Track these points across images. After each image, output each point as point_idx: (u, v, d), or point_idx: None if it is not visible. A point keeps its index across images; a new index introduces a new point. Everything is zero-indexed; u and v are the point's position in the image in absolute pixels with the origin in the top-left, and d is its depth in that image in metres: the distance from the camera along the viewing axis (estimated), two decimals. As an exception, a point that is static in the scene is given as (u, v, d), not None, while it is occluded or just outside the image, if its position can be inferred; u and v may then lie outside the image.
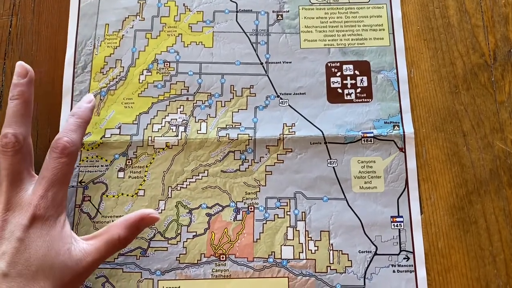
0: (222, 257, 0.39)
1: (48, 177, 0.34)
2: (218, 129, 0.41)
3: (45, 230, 0.33)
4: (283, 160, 0.41)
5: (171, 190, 0.40)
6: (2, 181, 0.34)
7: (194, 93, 0.42)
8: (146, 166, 0.40)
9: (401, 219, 0.39)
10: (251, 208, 0.40)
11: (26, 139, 0.35)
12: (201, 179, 0.40)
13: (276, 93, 0.42)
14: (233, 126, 0.41)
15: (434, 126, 0.41)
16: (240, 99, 0.42)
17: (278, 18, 0.44)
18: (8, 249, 0.32)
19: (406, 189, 0.40)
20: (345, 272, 0.38)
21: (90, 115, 0.38)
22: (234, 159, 0.41)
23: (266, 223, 0.39)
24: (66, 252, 0.33)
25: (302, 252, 0.39)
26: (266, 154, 0.41)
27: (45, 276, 0.32)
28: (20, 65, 0.36)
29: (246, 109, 0.42)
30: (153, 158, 0.40)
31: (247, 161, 0.41)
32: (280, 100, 0.42)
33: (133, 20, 0.44)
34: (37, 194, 0.34)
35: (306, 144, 0.41)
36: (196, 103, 0.42)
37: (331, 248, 0.39)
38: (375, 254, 0.39)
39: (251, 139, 0.41)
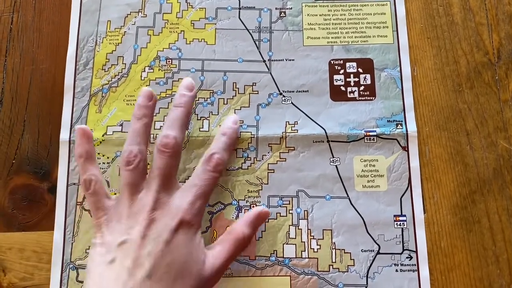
0: (224, 256, 0.38)
1: (199, 186, 0.35)
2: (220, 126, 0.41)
3: (189, 237, 0.33)
4: (285, 159, 0.40)
5: (173, 188, 0.40)
6: (153, 180, 0.34)
7: (196, 90, 0.42)
8: (148, 164, 0.40)
9: (404, 218, 0.39)
10: (253, 207, 0.39)
11: (182, 145, 0.37)
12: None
13: (279, 91, 0.42)
14: (236, 124, 0.41)
15: (437, 124, 0.41)
16: (243, 97, 0.42)
17: (281, 15, 0.44)
18: (154, 250, 0.32)
19: (409, 188, 0.40)
20: (348, 271, 0.38)
21: (237, 136, 0.40)
22: (236, 157, 0.40)
23: (268, 222, 0.39)
24: (202, 262, 0.33)
25: (305, 250, 0.39)
26: (268, 152, 0.41)
27: (182, 284, 0.32)
28: (189, 80, 0.39)
29: (249, 106, 0.42)
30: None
31: (249, 159, 0.40)
32: (283, 98, 0.42)
33: (135, 17, 0.44)
34: (187, 200, 0.34)
35: (309, 142, 0.41)
36: (198, 100, 0.42)
37: (333, 247, 0.39)
38: (378, 253, 0.38)
39: (254, 137, 0.41)
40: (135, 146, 0.35)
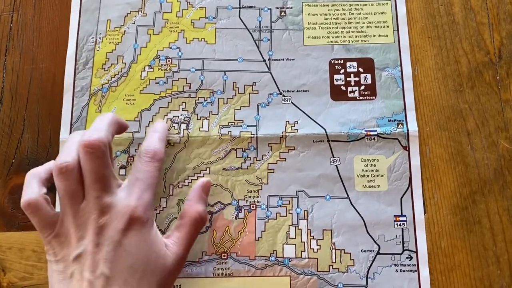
0: (224, 256, 0.38)
1: (142, 179, 0.33)
2: (220, 126, 0.41)
3: (143, 233, 0.32)
4: (285, 158, 0.40)
5: (173, 188, 0.40)
6: (90, 186, 0.32)
7: (196, 90, 0.42)
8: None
9: (404, 218, 0.39)
10: (253, 206, 0.39)
11: (107, 144, 0.33)
12: (203, 177, 0.40)
13: (279, 91, 0.42)
14: (235, 123, 0.41)
15: (438, 124, 0.41)
16: (243, 96, 0.42)
17: (282, 14, 0.44)
18: (110, 255, 0.31)
19: (409, 188, 0.40)
20: (348, 271, 0.38)
21: (166, 130, 0.39)
22: (236, 157, 0.40)
23: (268, 222, 0.39)
24: (163, 254, 0.33)
25: (304, 251, 0.39)
26: (268, 152, 0.40)
27: (148, 282, 0.31)
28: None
29: (249, 106, 0.42)
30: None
31: (249, 159, 0.40)
32: (283, 98, 0.42)
33: (135, 16, 0.44)
34: (133, 196, 0.33)
35: (309, 142, 0.41)
36: (198, 100, 0.42)
37: (333, 247, 0.39)
38: (378, 253, 0.38)
39: (253, 136, 0.41)
40: (67, 154, 0.32)
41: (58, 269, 0.31)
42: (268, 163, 0.40)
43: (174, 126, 0.41)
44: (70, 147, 0.33)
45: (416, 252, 0.38)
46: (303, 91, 0.42)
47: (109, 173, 0.33)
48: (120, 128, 0.36)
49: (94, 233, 0.31)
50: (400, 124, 0.41)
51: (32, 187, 0.33)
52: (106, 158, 0.33)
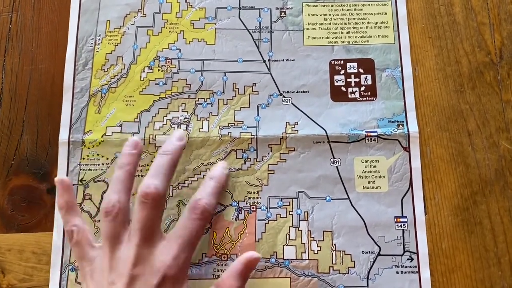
0: (224, 257, 0.38)
1: (185, 237, 0.33)
2: (220, 127, 0.41)
3: None
4: (285, 159, 0.40)
5: (173, 189, 0.40)
6: (134, 233, 0.33)
7: (196, 90, 0.42)
8: (147, 165, 0.40)
9: (405, 220, 0.39)
10: (253, 208, 0.39)
11: (165, 195, 0.34)
12: (203, 178, 0.40)
13: (279, 91, 0.42)
14: (235, 124, 0.41)
15: (438, 125, 0.41)
16: (243, 97, 0.42)
17: (281, 15, 0.43)
18: None
19: (410, 189, 0.39)
20: (348, 273, 0.38)
21: (226, 180, 0.38)
22: (236, 158, 0.40)
23: (268, 223, 0.39)
24: None
25: (305, 252, 0.38)
26: (268, 153, 0.40)
27: None
28: (181, 132, 0.38)
29: (249, 107, 0.41)
30: (154, 157, 0.40)
31: (249, 160, 0.40)
32: (283, 98, 0.42)
33: (134, 17, 0.43)
34: (171, 253, 0.32)
35: (309, 143, 0.40)
36: (198, 101, 0.41)
37: (334, 249, 0.38)
38: (379, 254, 0.38)
39: (254, 137, 0.41)
40: (115, 195, 0.33)
41: None
42: (268, 164, 0.40)
43: (174, 127, 0.41)
44: (117, 186, 0.34)
45: (417, 253, 0.38)
46: (303, 92, 0.42)
47: (156, 225, 0.33)
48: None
49: (125, 283, 0.31)
50: (400, 125, 0.41)
51: (78, 217, 0.35)
52: (159, 210, 0.34)
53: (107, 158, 0.40)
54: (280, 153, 0.40)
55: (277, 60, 0.42)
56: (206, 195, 0.35)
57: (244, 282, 0.34)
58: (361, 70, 0.42)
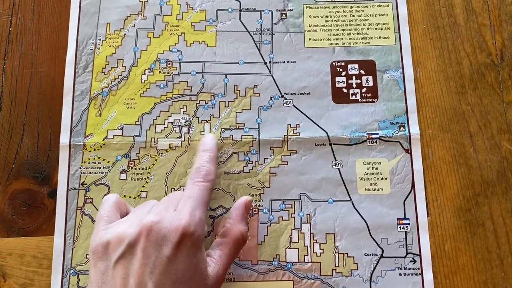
0: (226, 260, 0.38)
1: (194, 197, 0.34)
2: (222, 130, 0.41)
3: (192, 250, 0.32)
4: (287, 162, 0.40)
5: (174, 191, 0.39)
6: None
7: (197, 93, 0.42)
8: (149, 168, 0.40)
9: (407, 221, 0.39)
10: (255, 210, 0.39)
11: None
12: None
13: (280, 93, 0.42)
14: (237, 127, 0.41)
15: (440, 126, 0.41)
16: (244, 99, 0.42)
17: (282, 17, 0.43)
18: (157, 267, 0.30)
19: (412, 190, 0.39)
20: (351, 275, 0.38)
21: (216, 147, 0.39)
22: (238, 160, 0.40)
23: (270, 226, 0.39)
24: (205, 273, 0.32)
25: (307, 255, 0.38)
26: (270, 156, 0.40)
27: None
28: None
29: (250, 109, 0.41)
30: (156, 160, 0.40)
31: (251, 162, 0.40)
32: (285, 100, 0.41)
33: (135, 19, 0.43)
34: (184, 211, 0.33)
35: (311, 145, 0.40)
36: (199, 103, 0.41)
37: (336, 251, 0.38)
38: (381, 257, 0.38)
39: (255, 140, 0.40)
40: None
41: (100, 269, 0.31)
42: (270, 167, 0.40)
43: (175, 130, 0.41)
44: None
45: (420, 255, 0.38)
46: (305, 93, 0.42)
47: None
48: None
49: (145, 235, 0.31)
50: (402, 127, 0.41)
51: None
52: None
53: (108, 162, 0.40)
54: (282, 156, 0.40)
55: (278, 62, 0.42)
56: (204, 163, 0.37)
57: (247, 224, 0.37)
58: (362, 72, 0.42)
